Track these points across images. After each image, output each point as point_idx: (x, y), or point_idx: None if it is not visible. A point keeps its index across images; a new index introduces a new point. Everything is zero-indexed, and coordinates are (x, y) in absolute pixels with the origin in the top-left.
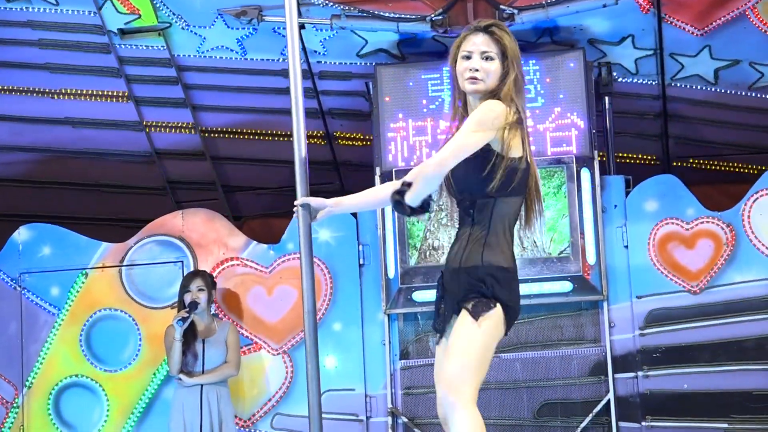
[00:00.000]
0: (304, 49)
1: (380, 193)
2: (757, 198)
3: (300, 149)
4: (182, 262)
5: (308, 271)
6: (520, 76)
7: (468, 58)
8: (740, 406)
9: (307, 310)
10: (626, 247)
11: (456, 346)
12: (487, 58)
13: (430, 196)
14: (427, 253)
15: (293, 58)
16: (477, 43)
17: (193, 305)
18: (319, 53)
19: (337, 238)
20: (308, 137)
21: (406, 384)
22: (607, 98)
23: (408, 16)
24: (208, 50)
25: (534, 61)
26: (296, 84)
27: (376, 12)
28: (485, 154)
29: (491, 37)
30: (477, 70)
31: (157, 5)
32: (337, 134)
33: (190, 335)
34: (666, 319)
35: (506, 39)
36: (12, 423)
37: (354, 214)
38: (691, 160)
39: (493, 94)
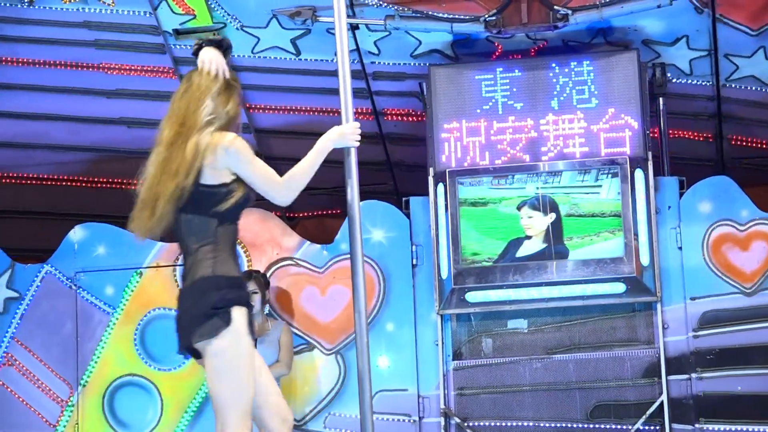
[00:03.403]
0: (357, 49)
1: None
2: None
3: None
4: None
5: (358, 272)
6: None
7: None
8: None
9: (358, 310)
10: (680, 248)
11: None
12: None
13: None
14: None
15: (342, 60)
16: None
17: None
18: (373, 54)
19: (390, 239)
20: (362, 137)
21: (459, 384)
22: (661, 99)
23: (462, 17)
24: (262, 51)
25: (588, 62)
26: (345, 85)
27: (430, 12)
28: None
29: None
30: None
31: (212, 6)
32: (390, 135)
33: None
34: (720, 320)
35: None
36: (67, 421)
37: (407, 215)
38: (745, 162)
39: None
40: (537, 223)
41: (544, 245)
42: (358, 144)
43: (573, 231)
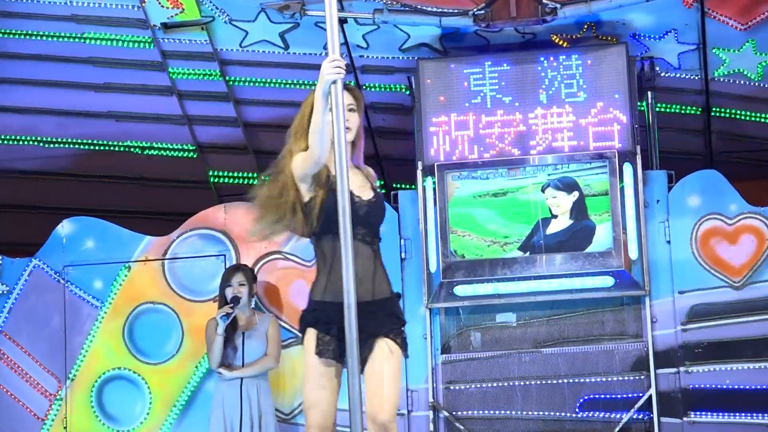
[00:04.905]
0: (346, 43)
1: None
2: None
3: (341, 145)
4: (224, 255)
5: (348, 266)
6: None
7: None
8: None
9: (347, 304)
10: (668, 242)
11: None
12: (350, 110)
13: None
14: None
15: (333, 53)
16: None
17: (236, 300)
18: (362, 47)
19: None
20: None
21: (447, 378)
22: (649, 93)
23: (450, 11)
24: (250, 44)
25: (576, 56)
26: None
27: (419, 6)
28: None
29: (352, 94)
30: (348, 120)
31: None
32: (379, 128)
33: (230, 328)
34: (708, 314)
35: (361, 98)
36: (55, 415)
37: (396, 209)
38: (734, 156)
39: (353, 144)
40: (563, 202)
41: (571, 221)
42: (339, 76)
43: (592, 209)
